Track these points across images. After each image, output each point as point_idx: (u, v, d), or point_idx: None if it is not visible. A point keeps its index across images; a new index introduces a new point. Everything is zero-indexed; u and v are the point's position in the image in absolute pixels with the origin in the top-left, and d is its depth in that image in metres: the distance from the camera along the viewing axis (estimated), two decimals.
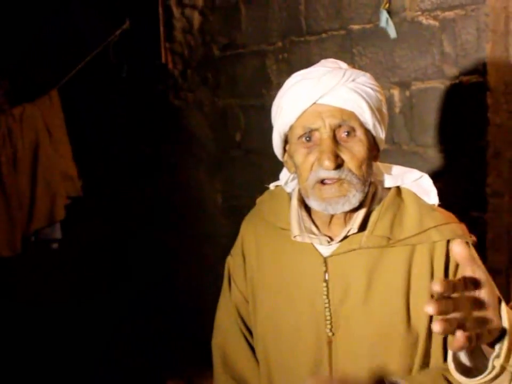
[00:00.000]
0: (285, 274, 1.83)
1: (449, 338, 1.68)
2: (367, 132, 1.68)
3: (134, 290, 4.79)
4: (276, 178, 3.64)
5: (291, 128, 1.71)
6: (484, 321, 1.22)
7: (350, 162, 1.62)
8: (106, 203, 4.74)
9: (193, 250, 4.44)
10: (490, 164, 2.91)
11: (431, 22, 2.96)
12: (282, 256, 1.85)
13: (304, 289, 1.78)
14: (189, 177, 4.37)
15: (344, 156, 1.62)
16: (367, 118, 1.65)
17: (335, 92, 1.64)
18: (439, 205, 1.77)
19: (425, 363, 1.69)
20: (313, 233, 1.75)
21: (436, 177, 1.92)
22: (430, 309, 1.12)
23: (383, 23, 3.04)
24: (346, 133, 1.64)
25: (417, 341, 1.69)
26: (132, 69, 4.51)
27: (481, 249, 1.89)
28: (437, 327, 1.12)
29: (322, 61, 1.80)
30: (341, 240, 1.72)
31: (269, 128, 3.80)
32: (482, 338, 1.22)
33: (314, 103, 1.64)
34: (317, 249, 1.76)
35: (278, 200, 1.93)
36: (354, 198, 1.64)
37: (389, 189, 1.78)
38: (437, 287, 1.14)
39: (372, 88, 1.68)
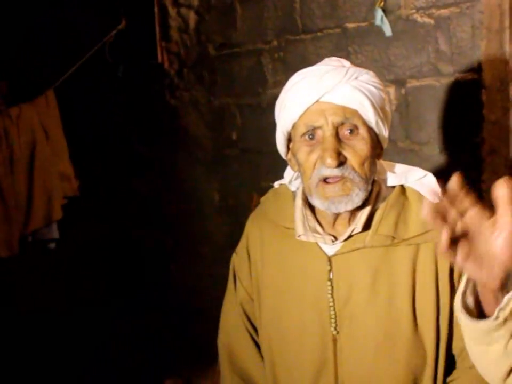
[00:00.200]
0: (290, 273, 1.84)
1: (455, 343, 1.68)
2: (370, 130, 1.68)
3: (130, 289, 4.79)
4: (272, 176, 3.64)
5: (294, 126, 1.72)
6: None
7: (352, 160, 1.63)
8: (103, 203, 4.74)
9: (190, 249, 4.44)
10: (486, 160, 2.92)
11: (426, 19, 2.97)
12: (286, 255, 1.85)
13: (309, 288, 1.79)
14: (185, 176, 4.37)
15: (347, 153, 1.63)
16: (370, 116, 1.66)
17: (337, 90, 1.64)
18: None
19: (433, 364, 1.69)
20: (318, 232, 1.76)
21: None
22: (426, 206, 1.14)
23: (378, 21, 3.05)
24: (349, 131, 1.65)
25: (423, 340, 1.68)
26: (128, 69, 4.51)
27: None
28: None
29: (326, 59, 1.80)
30: (346, 239, 1.73)
31: (265, 126, 3.82)
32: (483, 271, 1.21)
33: (317, 101, 1.65)
34: (321, 248, 1.77)
35: (282, 199, 1.93)
36: (357, 197, 1.64)
37: (393, 187, 1.79)
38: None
39: (374, 86, 1.69)
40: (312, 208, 1.79)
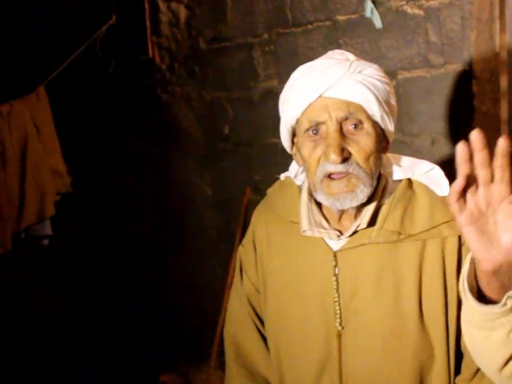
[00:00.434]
0: (295, 268, 1.82)
1: (462, 341, 1.67)
2: (375, 124, 1.65)
3: (124, 285, 4.79)
4: (265, 170, 3.64)
5: (298, 121, 1.69)
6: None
7: (357, 155, 1.60)
8: (95, 198, 4.73)
9: (183, 243, 4.44)
10: None
11: (416, 11, 2.97)
12: (292, 249, 1.84)
13: (314, 283, 1.77)
14: (177, 171, 4.37)
15: (351, 149, 1.60)
16: (375, 110, 1.63)
17: (341, 84, 1.61)
18: None
19: (442, 361, 1.68)
20: (323, 227, 1.73)
21: None
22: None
23: (368, 13, 3.06)
24: (353, 126, 1.62)
25: (430, 337, 1.67)
26: (119, 64, 4.50)
27: None
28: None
29: (329, 52, 1.77)
30: (351, 235, 1.71)
31: (257, 120, 3.82)
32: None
33: (320, 96, 1.62)
34: (326, 243, 1.75)
35: (288, 192, 1.91)
36: (362, 193, 1.62)
37: (400, 181, 1.76)
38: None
39: (379, 80, 1.65)
40: (318, 202, 1.77)
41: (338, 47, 3.25)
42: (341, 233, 1.73)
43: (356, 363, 1.72)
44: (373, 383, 1.72)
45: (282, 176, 2.01)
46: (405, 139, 3.07)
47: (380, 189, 1.72)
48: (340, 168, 1.59)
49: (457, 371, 1.71)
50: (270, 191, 2.03)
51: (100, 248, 4.76)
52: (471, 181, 1.21)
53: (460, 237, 1.65)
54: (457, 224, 1.24)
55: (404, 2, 2.99)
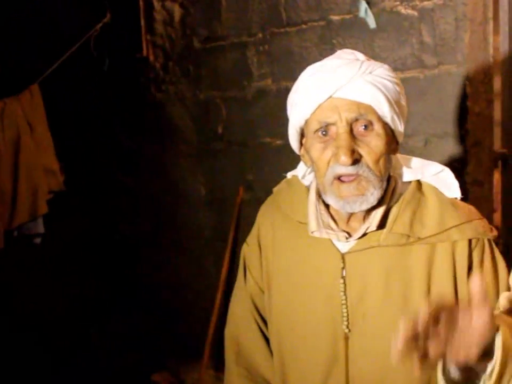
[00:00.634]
0: (301, 269, 1.79)
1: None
2: (385, 125, 1.63)
3: (117, 284, 4.79)
4: (258, 169, 3.64)
5: (306, 122, 1.66)
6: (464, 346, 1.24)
7: (367, 157, 1.58)
8: (89, 197, 4.72)
9: (176, 242, 4.44)
10: (470, 152, 2.93)
11: (410, 11, 2.97)
12: (299, 250, 1.81)
13: (321, 284, 1.75)
14: (171, 170, 4.36)
15: (362, 150, 1.58)
16: (385, 111, 1.60)
17: (351, 85, 1.59)
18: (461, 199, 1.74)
19: None
20: (331, 229, 1.71)
21: None
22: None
23: (362, 13, 3.06)
24: (363, 127, 1.59)
25: None
26: (113, 63, 4.49)
27: None
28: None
29: (339, 52, 1.74)
30: (360, 237, 1.69)
31: (251, 119, 3.82)
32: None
33: (330, 96, 1.59)
34: (334, 245, 1.73)
35: (295, 192, 1.88)
36: (372, 196, 1.59)
37: (409, 182, 1.74)
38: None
39: (389, 80, 1.63)
40: (325, 203, 1.74)
41: (332, 47, 3.25)
42: (349, 235, 1.71)
43: (363, 367, 1.71)
44: None
45: (289, 174, 1.98)
46: None
47: (389, 190, 1.69)
48: (350, 170, 1.57)
49: None
50: (276, 189, 1.99)
51: (93, 247, 4.75)
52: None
53: (470, 241, 1.64)
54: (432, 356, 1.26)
55: (397, 2, 2.99)
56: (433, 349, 1.21)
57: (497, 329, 1.28)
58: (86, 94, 4.61)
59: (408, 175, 1.75)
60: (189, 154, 4.24)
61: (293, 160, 3.49)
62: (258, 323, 1.96)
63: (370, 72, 1.61)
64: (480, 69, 2.89)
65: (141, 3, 4.31)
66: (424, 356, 1.21)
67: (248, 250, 1.99)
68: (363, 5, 3.03)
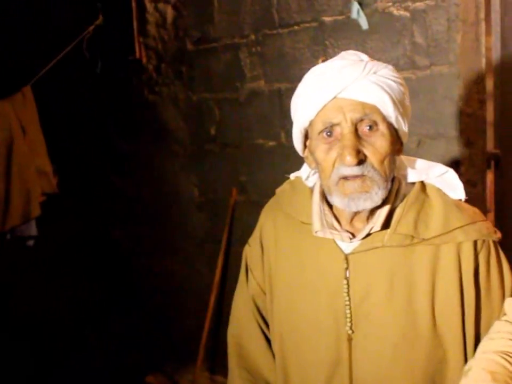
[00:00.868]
0: (304, 269, 1.79)
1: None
2: (389, 125, 1.62)
3: (110, 286, 4.78)
4: (251, 171, 3.63)
5: (311, 123, 1.66)
6: None
7: (372, 157, 1.58)
8: (82, 199, 4.72)
9: (169, 244, 4.43)
10: (463, 153, 2.93)
11: (402, 12, 2.97)
12: (302, 250, 1.81)
13: (324, 285, 1.74)
14: (164, 172, 4.36)
15: (367, 151, 1.58)
16: (390, 111, 1.60)
17: (356, 85, 1.59)
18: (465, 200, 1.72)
19: (456, 367, 1.65)
20: (335, 229, 1.70)
21: None
22: None
23: (354, 15, 3.06)
24: (368, 127, 1.59)
25: (443, 342, 1.65)
26: (106, 64, 4.49)
27: None
28: None
29: (342, 53, 1.73)
30: (363, 238, 1.68)
31: (244, 121, 3.81)
32: None
33: (335, 97, 1.59)
34: (338, 246, 1.72)
35: (299, 193, 1.87)
36: (377, 195, 1.59)
37: (413, 183, 1.73)
38: None
39: (394, 81, 1.63)
40: (329, 203, 1.73)
41: (325, 48, 3.26)
42: (353, 235, 1.70)
43: (367, 368, 1.70)
44: None
45: (292, 176, 1.97)
46: None
47: (393, 191, 1.69)
48: (356, 170, 1.57)
49: None
50: (279, 190, 1.98)
51: (86, 249, 4.74)
52: None
53: (475, 243, 1.64)
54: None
55: (390, 4, 3.00)
56: None
57: None
58: (79, 96, 4.61)
59: (412, 176, 1.74)
60: (182, 155, 4.23)
61: (286, 161, 3.51)
62: (260, 324, 1.96)
63: (374, 73, 1.61)
64: (472, 70, 2.90)
65: (134, 5, 4.31)
66: None
67: (250, 251, 1.99)
68: (355, 6, 3.03)
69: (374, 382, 1.70)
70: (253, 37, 3.65)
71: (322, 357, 1.75)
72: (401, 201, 1.70)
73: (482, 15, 2.85)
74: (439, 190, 1.72)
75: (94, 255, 4.78)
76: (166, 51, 4.21)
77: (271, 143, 3.67)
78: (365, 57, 1.69)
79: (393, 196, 1.68)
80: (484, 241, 1.65)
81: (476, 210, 1.72)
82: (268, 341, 1.94)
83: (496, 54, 2.91)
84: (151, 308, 4.59)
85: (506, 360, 1.50)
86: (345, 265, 1.70)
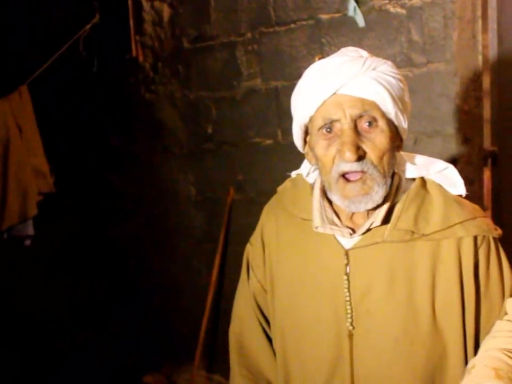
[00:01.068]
0: (305, 266, 1.79)
1: (482, 337, 1.67)
2: (389, 121, 1.63)
3: (108, 286, 4.78)
4: (248, 169, 3.63)
5: (311, 119, 1.66)
6: None
7: (372, 154, 1.58)
8: (79, 198, 4.71)
9: (167, 243, 4.43)
10: (460, 150, 2.93)
11: (399, 10, 2.97)
12: (303, 247, 1.81)
13: (325, 281, 1.74)
14: (161, 171, 4.36)
15: (366, 147, 1.58)
16: (389, 107, 1.61)
17: (355, 82, 1.59)
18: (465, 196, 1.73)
19: (457, 362, 1.66)
20: (336, 225, 1.71)
21: None
22: None
23: (351, 12, 3.06)
24: (367, 123, 1.59)
25: (443, 338, 1.65)
26: (102, 63, 4.48)
27: None
28: None
29: (342, 49, 1.74)
30: (364, 233, 1.68)
31: (241, 119, 3.81)
32: None
33: (335, 93, 1.60)
34: (338, 241, 1.73)
35: (299, 190, 1.87)
36: (377, 195, 1.60)
37: (413, 179, 1.74)
38: None
39: (393, 77, 1.63)
40: (330, 199, 1.74)
41: (321, 46, 3.25)
42: (353, 230, 1.71)
43: (368, 363, 1.70)
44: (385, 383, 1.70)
45: (294, 173, 1.97)
46: None
47: (393, 187, 1.69)
48: (355, 166, 1.57)
49: None
50: (280, 188, 1.99)
51: (84, 248, 4.74)
52: None
53: (475, 238, 1.64)
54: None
55: (386, 1, 2.99)
56: None
57: None
58: (76, 95, 4.60)
59: (412, 171, 1.74)
60: (179, 154, 4.23)
61: (283, 160, 3.51)
62: (261, 322, 1.96)
63: (374, 69, 1.61)
64: (469, 67, 2.90)
65: (130, 3, 4.30)
66: None
67: (251, 249, 1.99)
68: (352, 4, 3.03)
69: (375, 377, 1.70)
70: (249, 35, 3.64)
71: (323, 353, 1.75)
72: (401, 196, 1.70)
73: (479, 12, 2.85)
74: (439, 185, 1.72)
75: (91, 254, 4.78)
76: (163, 49, 4.20)
77: (268, 142, 3.67)
78: (364, 53, 1.69)
79: (393, 192, 1.69)
80: (484, 237, 1.65)
81: (476, 206, 1.73)
82: (269, 338, 1.95)
83: (493, 51, 2.91)
84: (148, 307, 4.58)
85: (509, 357, 1.51)
86: (345, 261, 1.71)
